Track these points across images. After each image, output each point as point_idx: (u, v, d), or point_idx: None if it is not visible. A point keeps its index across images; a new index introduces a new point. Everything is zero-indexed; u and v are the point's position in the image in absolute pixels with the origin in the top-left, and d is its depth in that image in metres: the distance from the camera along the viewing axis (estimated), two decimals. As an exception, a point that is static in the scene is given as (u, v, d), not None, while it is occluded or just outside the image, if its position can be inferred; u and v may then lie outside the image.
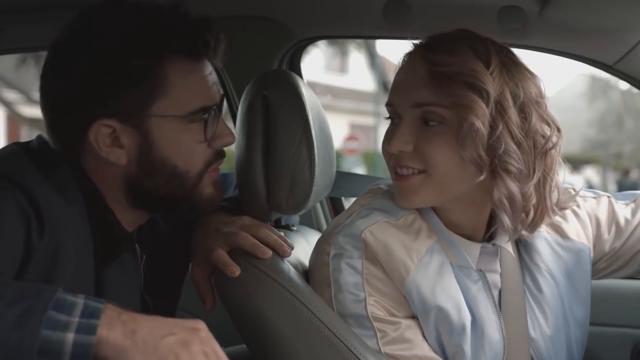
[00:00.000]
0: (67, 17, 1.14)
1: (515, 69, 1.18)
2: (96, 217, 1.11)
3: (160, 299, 1.25)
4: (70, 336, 0.85)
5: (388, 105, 1.23)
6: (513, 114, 1.14)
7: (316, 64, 16.83)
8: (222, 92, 1.20)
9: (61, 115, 1.12)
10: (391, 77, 1.26)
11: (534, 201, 1.20)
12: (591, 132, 21.16)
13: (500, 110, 1.14)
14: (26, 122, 13.34)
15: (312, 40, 1.91)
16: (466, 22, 1.23)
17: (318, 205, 1.97)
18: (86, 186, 1.12)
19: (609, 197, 1.37)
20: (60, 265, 1.02)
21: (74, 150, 1.13)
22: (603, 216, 1.34)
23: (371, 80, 17.26)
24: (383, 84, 15.44)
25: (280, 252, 1.21)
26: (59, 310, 0.87)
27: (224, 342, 1.00)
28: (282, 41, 1.82)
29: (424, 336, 1.19)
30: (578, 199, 1.33)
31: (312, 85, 1.49)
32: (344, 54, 18.28)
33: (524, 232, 1.22)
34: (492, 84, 1.13)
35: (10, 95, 13.48)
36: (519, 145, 1.14)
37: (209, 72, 1.16)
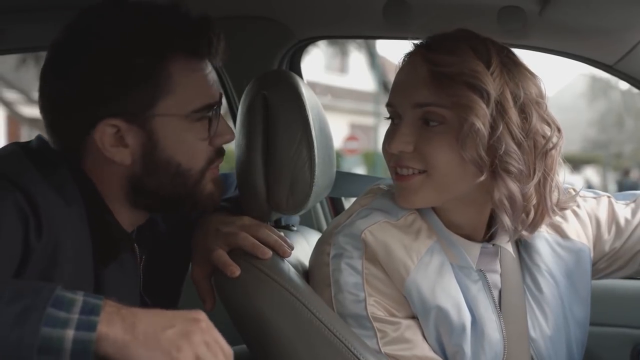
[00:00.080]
0: (67, 17, 1.14)
1: (515, 69, 1.18)
2: (95, 218, 1.11)
3: (160, 300, 1.25)
4: (70, 333, 0.85)
5: (388, 105, 1.23)
6: (513, 114, 1.14)
7: (316, 64, 16.82)
8: (221, 91, 1.20)
9: (63, 115, 1.12)
10: (391, 77, 1.26)
11: (534, 201, 1.20)
12: (591, 132, 21.16)
13: (500, 111, 1.14)
14: (26, 122, 13.34)
15: (312, 40, 1.91)
16: (466, 22, 1.23)
17: (318, 206, 1.97)
18: (85, 186, 1.12)
19: (609, 197, 1.37)
20: (59, 266, 1.02)
21: (75, 151, 1.13)
22: (603, 216, 1.34)
23: (371, 80, 17.26)
24: (383, 84, 15.44)
25: (280, 253, 1.21)
26: (59, 307, 0.87)
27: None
28: (282, 41, 1.82)
29: (424, 336, 1.19)
30: (578, 199, 1.33)
31: (312, 85, 1.49)
32: (344, 54, 18.28)
33: (524, 233, 1.22)
34: (492, 84, 1.13)
35: (10, 95, 13.47)
36: (519, 145, 1.14)
37: (210, 70, 1.17)
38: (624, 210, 1.34)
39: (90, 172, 1.14)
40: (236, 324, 1.18)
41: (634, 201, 1.36)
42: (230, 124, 1.50)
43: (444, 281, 1.19)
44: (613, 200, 1.36)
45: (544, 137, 1.17)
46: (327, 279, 1.19)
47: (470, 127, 1.12)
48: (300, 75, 1.87)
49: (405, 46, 1.23)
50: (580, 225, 1.32)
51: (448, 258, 1.21)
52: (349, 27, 1.84)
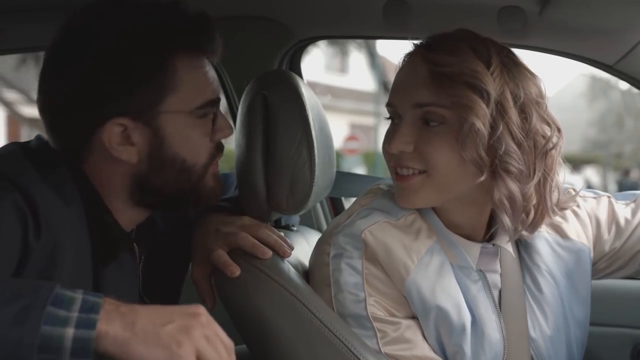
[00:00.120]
0: (68, 17, 1.14)
1: (515, 69, 1.18)
2: (94, 218, 1.11)
3: (159, 300, 1.25)
4: (70, 331, 0.85)
5: (388, 105, 1.23)
6: (513, 115, 1.14)
7: (316, 64, 16.82)
8: (220, 87, 1.22)
9: (66, 116, 1.12)
10: (391, 77, 1.26)
11: (534, 201, 1.20)
12: (591, 132, 21.16)
13: (500, 111, 1.14)
14: (26, 122, 13.34)
15: (312, 40, 1.91)
16: (466, 22, 1.23)
17: (318, 206, 1.97)
18: (84, 186, 1.12)
19: (609, 197, 1.37)
20: (58, 266, 1.02)
21: (76, 151, 1.13)
22: (603, 216, 1.34)
23: (371, 80, 17.27)
24: (383, 84, 15.44)
25: (280, 253, 1.21)
26: (58, 305, 0.86)
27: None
28: (282, 41, 1.82)
29: (424, 336, 1.19)
30: (578, 199, 1.33)
31: (312, 85, 1.49)
32: (344, 54, 18.28)
33: (524, 233, 1.22)
34: (492, 84, 1.13)
35: (10, 95, 13.47)
36: (519, 145, 1.14)
37: (209, 67, 1.18)
38: (624, 210, 1.34)
39: (92, 172, 1.14)
40: (236, 324, 1.18)
41: (634, 201, 1.36)
42: (230, 124, 1.50)
43: (444, 281, 1.19)
44: (613, 200, 1.36)
45: (544, 137, 1.17)
46: (327, 279, 1.19)
47: (470, 127, 1.12)
48: (300, 75, 1.87)
49: (405, 46, 1.23)
50: (580, 225, 1.32)
51: (448, 258, 1.21)
52: (349, 27, 1.84)
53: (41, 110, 1.15)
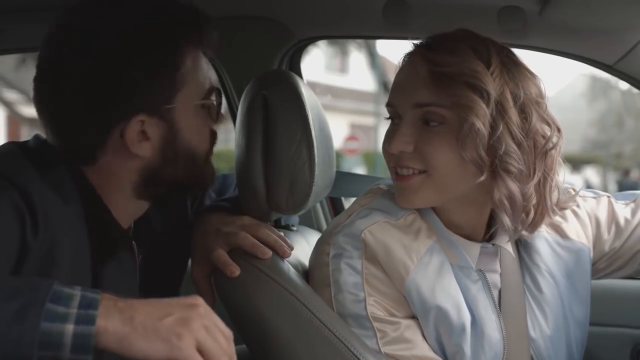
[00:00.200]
0: (68, 15, 1.13)
1: (515, 69, 1.18)
2: (93, 216, 1.11)
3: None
4: (70, 327, 0.86)
5: (388, 105, 1.23)
6: (513, 114, 1.14)
7: (316, 64, 16.83)
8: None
9: (81, 119, 1.10)
10: (391, 77, 1.26)
11: (534, 201, 1.20)
12: (591, 132, 21.17)
13: (500, 111, 1.14)
14: (26, 122, 13.35)
15: (312, 40, 1.91)
16: (466, 22, 1.23)
17: (318, 206, 1.97)
18: (83, 185, 1.12)
19: (608, 197, 1.37)
20: (57, 264, 1.02)
21: (89, 151, 1.12)
22: (603, 216, 1.34)
23: (371, 80, 17.28)
24: (383, 84, 15.45)
25: (280, 253, 1.21)
26: (57, 302, 0.87)
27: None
28: (282, 41, 1.82)
29: (423, 336, 1.19)
30: (578, 199, 1.33)
31: (312, 85, 1.49)
32: (344, 54, 18.30)
33: (524, 232, 1.23)
34: (492, 84, 1.13)
35: (10, 95, 13.48)
36: (519, 145, 1.15)
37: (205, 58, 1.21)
38: (623, 210, 1.34)
39: (100, 170, 1.13)
40: (236, 323, 1.18)
41: (634, 201, 1.36)
42: (230, 124, 1.51)
43: (444, 281, 1.19)
44: (613, 200, 1.36)
45: (543, 137, 1.17)
46: (326, 278, 1.19)
47: (470, 127, 1.12)
48: (300, 75, 1.87)
49: (405, 46, 1.23)
50: (580, 225, 1.32)
51: (448, 258, 1.21)
52: (349, 27, 1.84)
53: (49, 116, 1.13)
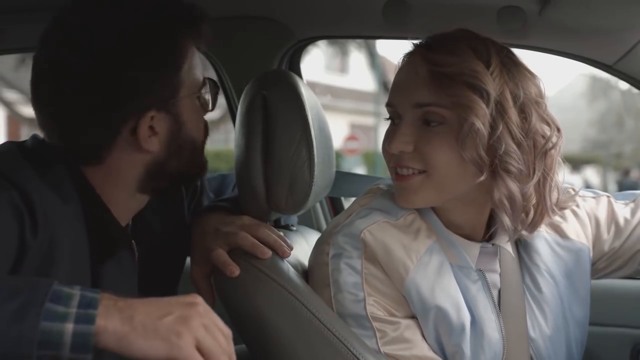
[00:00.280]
0: (68, 13, 1.13)
1: (515, 69, 1.18)
2: (92, 216, 1.11)
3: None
4: (69, 327, 0.86)
5: (388, 105, 1.23)
6: (513, 114, 1.14)
7: (316, 64, 16.83)
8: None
9: (89, 120, 1.10)
10: (391, 77, 1.26)
11: (533, 201, 1.20)
12: (591, 132, 21.17)
13: (500, 111, 1.14)
14: (26, 122, 13.33)
15: (312, 40, 1.91)
16: (466, 22, 1.23)
17: (318, 205, 1.97)
18: (83, 184, 1.12)
19: (608, 197, 1.37)
20: (55, 263, 1.03)
21: (95, 150, 1.12)
22: (602, 216, 1.34)
23: (371, 80, 17.27)
24: (383, 84, 15.45)
25: (280, 252, 1.21)
26: (56, 302, 0.87)
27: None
28: (282, 41, 1.82)
29: (423, 336, 1.19)
30: (577, 198, 1.33)
31: (312, 85, 1.49)
32: (344, 54, 18.29)
33: (523, 232, 1.23)
34: (492, 84, 1.13)
35: (10, 95, 13.47)
36: (519, 145, 1.15)
37: None
38: (623, 210, 1.34)
39: (102, 168, 1.13)
40: (235, 323, 1.18)
41: (634, 201, 1.36)
42: (230, 124, 1.51)
43: (444, 281, 1.19)
44: (612, 200, 1.36)
45: (543, 136, 1.17)
46: (326, 278, 1.19)
47: (470, 127, 1.12)
48: (300, 75, 1.87)
49: (405, 46, 1.23)
50: (580, 225, 1.32)
51: (447, 258, 1.21)
52: (349, 27, 1.84)
53: (49, 116, 1.13)
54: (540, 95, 1.20)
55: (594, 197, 1.37)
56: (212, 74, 1.83)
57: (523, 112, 1.16)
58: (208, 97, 1.22)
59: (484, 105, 1.12)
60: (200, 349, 0.91)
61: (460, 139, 1.13)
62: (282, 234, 1.25)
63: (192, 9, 1.16)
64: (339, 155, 13.09)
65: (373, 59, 16.27)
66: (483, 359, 1.20)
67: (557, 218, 1.29)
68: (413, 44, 1.23)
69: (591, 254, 1.32)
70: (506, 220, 1.17)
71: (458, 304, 1.18)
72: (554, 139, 1.18)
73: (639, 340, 1.80)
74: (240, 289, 1.17)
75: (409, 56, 1.22)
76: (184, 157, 1.18)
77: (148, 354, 0.89)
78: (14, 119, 14.28)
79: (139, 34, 1.10)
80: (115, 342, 0.88)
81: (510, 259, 1.27)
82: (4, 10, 1.66)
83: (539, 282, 1.27)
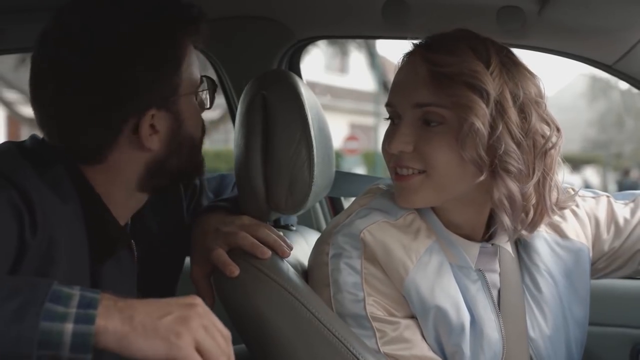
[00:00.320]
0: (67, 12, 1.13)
1: (515, 69, 1.18)
2: (91, 215, 1.11)
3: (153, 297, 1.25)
4: (69, 327, 0.86)
5: (388, 105, 1.23)
6: (513, 114, 1.14)
7: (316, 64, 16.83)
8: None
9: (90, 120, 1.10)
10: (391, 77, 1.26)
11: (533, 201, 1.20)
12: (591, 132, 21.17)
13: (500, 111, 1.14)
14: (26, 122, 13.33)
15: (311, 40, 1.91)
16: (466, 22, 1.23)
17: (317, 205, 1.97)
18: (82, 184, 1.12)
19: (608, 197, 1.37)
20: (55, 263, 1.03)
21: (96, 150, 1.12)
22: (602, 216, 1.34)
23: (371, 80, 17.26)
24: (383, 84, 15.44)
25: (280, 252, 1.21)
26: (56, 302, 0.87)
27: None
28: (282, 41, 1.82)
29: (423, 336, 1.19)
30: (577, 198, 1.33)
31: (312, 85, 1.49)
32: (344, 54, 18.28)
33: (523, 232, 1.23)
34: (492, 84, 1.14)
35: (10, 95, 13.47)
36: (518, 145, 1.15)
37: None
38: (623, 210, 1.34)
39: (102, 167, 1.13)
40: (235, 323, 1.18)
41: (633, 201, 1.36)
42: (230, 124, 1.51)
43: (443, 281, 1.19)
44: (612, 199, 1.36)
45: (543, 136, 1.17)
46: (326, 278, 1.19)
47: (470, 127, 1.12)
48: (300, 75, 1.87)
49: (405, 46, 1.23)
50: (580, 225, 1.32)
51: (447, 258, 1.21)
52: (349, 27, 1.84)
53: (49, 116, 1.13)
54: (540, 95, 1.20)
55: (593, 197, 1.37)
56: (212, 74, 1.83)
57: (523, 112, 1.16)
58: (205, 95, 1.23)
59: (483, 105, 1.12)
60: (199, 350, 0.91)
61: (460, 139, 1.13)
62: (281, 234, 1.25)
63: (190, 8, 1.16)
64: (338, 155, 13.08)
65: (373, 59, 16.26)
66: (483, 359, 1.20)
67: (556, 218, 1.29)
68: (413, 44, 1.23)
69: (591, 254, 1.32)
70: (506, 220, 1.17)
71: (458, 304, 1.18)
72: (553, 139, 1.18)
73: (638, 340, 1.80)
74: (240, 289, 1.17)
75: (409, 56, 1.22)
76: (183, 154, 1.18)
77: (147, 354, 0.89)
78: (14, 119, 14.29)
79: (139, 33, 1.10)
80: (115, 342, 0.88)
81: (509, 259, 1.27)
82: (4, 10, 1.66)
83: (539, 282, 1.27)
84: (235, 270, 1.17)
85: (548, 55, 1.68)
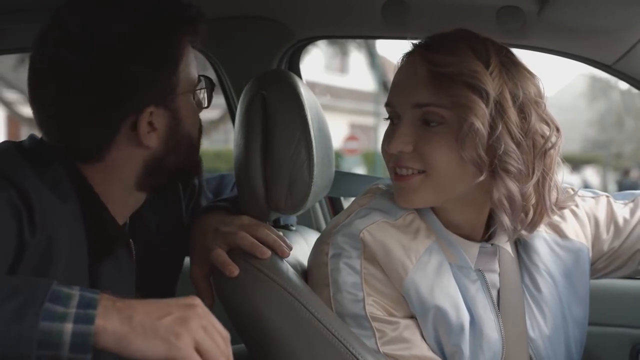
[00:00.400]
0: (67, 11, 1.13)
1: (514, 69, 1.18)
2: (90, 215, 1.11)
3: (153, 297, 1.25)
4: (69, 326, 0.86)
5: (387, 105, 1.23)
6: (512, 114, 1.14)
7: (316, 64, 16.83)
8: None
9: (89, 119, 1.10)
10: (391, 77, 1.26)
11: (533, 201, 1.20)
12: (591, 132, 21.17)
13: (499, 111, 1.14)
14: (26, 122, 13.33)
15: (311, 40, 1.91)
16: (465, 22, 1.23)
17: (317, 205, 1.97)
18: (81, 183, 1.12)
19: (607, 197, 1.37)
20: (53, 262, 1.03)
21: (96, 149, 1.13)
22: (602, 216, 1.34)
23: (371, 80, 17.26)
24: (383, 84, 15.44)
25: (279, 252, 1.21)
26: (56, 302, 0.87)
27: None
28: (282, 41, 1.82)
29: (422, 336, 1.19)
30: (577, 198, 1.33)
31: (312, 85, 1.49)
32: (344, 54, 18.28)
33: (523, 232, 1.23)
34: (491, 84, 1.14)
35: (10, 95, 13.47)
36: (518, 145, 1.15)
37: None
38: (622, 210, 1.34)
39: (101, 166, 1.13)
40: (235, 323, 1.18)
41: (633, 201, 1.36)
42: (230, 124, 1.51)
43: (443, 281, 1.19)
44: (612, 199, 1.36)
45: (542, 136, 1.17)
46: (325, 278, 1.19)
47: (469, 127, 1.12)
48: (300, 75, 1.87)
49: (405, 46, 1.23)
50: (579, 225, 1.32)
51: (447, 258, 1.21)
52: (348, 27, 1.84)
53: (48, 116, 1.13)
54: (540, 95, 1.20)
55: (593, 197, 1.37)
56: (212, 74, 1.83)
57: (522, 112, 1.16)
58: (203, 94, 1.23)
59: (483, 105, 1.12)
60: (198, 350, 0.91)
61: (459, 139, 1.13)
62: (281, 233, 1.25)
63: (189, 8, 1.16)
64: (338, 155, 13.08)
65: (373, 59, 16.26)
66: (482, 359, 1.20)
67: (556, 218, 1.29)
68: (412, 44, 1.23)
69: (590, 254, 1.32)
70: (505, 220, 1.17)
71: (457, 304, 1.18)
72: (553, 139, 1.18)
73: (638, 340, 1.80)
74: (240, 289, 1.17)
75: (408, 56, 1.22)
76: (181, 152, 1.18)
77: (147, 354, 0.89)
78: (14, 119, 14.29)
79: (139, 33, 1.10)
80: (115, 342, 0.88)
81: (509, 259, 1.27)
82: (4, 10, 1.66)
83: (538, 282, 1.27)
84: (234, 270, 1.17)
85: (548, 55, 1.68)
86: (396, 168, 1.20)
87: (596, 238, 1.33)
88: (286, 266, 1.21)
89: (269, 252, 1.19)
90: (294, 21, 1.79)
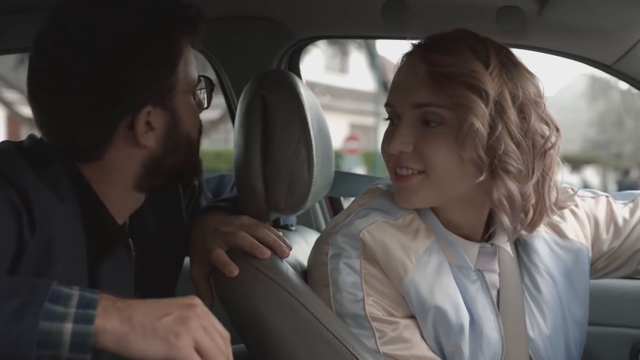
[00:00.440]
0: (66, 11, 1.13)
1: (514, 69, 1.18)
2: (89, 214, 1.11)
3: (153, 297, 1.25)
4: (68, 326, 0.86)
5: (387, 105, 1.23)
6: (512, 114, 1.14)
7: (316, 64, 16.83)
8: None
9: (87, 118, 1.11)
10: (391, 77, 1.26)
11: (533, 201, 1.20)
12: (591, 132, 21.16)
13: (499, 111, 1.14)
14: (26, 122, 13.33)
15: (311, 40, 1.91)
16: (465, 22, 1.23)
17: (317, 205, 1.97)
18: (80, 183, 1.12)
19: (607, 197, 1.37)
20: (53, 262, 1.03)
21: (93, 148, 1.13)
22: (601, 216, 1.34)
23: (371, 80, 17.26)
24: (383, 84, 15.44)
25: (279, 252, 1.21)
26: (55, 302, 0.87)
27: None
28: (281, 41, 1.82)
29: (422, 336, 1.19)
30: (576, 198, 1.33)
31: (312, 85, 1.49)
32: (344, 54, 18.28)
33: (523, 232, 1.23)
34: (491, 84, 1.14)
35: (10, 95, 13.47)
36: (518, 145, 1.15)
37: None
38: (622, 210, 1.35)
39: (100, 166, 1.13)
40: (235, 323, 1.18)
41: (633, 201, 1.36)
42: (230, 124, 1.51)
43: (442, 281, 1.19)
44: (611, 200, 1.36)
45: (542, 136, 1.17)
46: (325, 278, 1.19)
47: (469, 127, 1.12)
48: (299, 75, 1.87)
49: (404, 46, 1.23)
50: (579, 225, 1.32)
51: (446, 258, 1.21)
52: (348, 27, 1.84)
53: (47, 115, 1.13)
54: (539, 95, 1.20)
55: (592, 197, 1.37)
56: (212, 74, 1.83)
57: (522, 112, 1.16)
58: (203, 95, 1.23)
59: (483, 106, 1.12)
60: (198, 350, 0.91)
61: (459, 139, 1.13)
62: (281, 234, 1.25)
63: (189, 8, 1.16)
64: (338, 155, 13.08)
65: (373, 59, 16.26)
66: (482, 359, 1.20)
67: (556, 218, 1.30)
68: (412, 44, 1.23)
69: (590, 254, 1.32)
70: (505, 220, 1.17)
71: (457, 304, 1.18)
72: (553, 139, 1.18)
73: (638, 340, 1.80)
74: (239, 289, 1.17)
75: (408, 56, 1.22)
76: (181, 153, 1.18)
77: (147, 354, 0.89)
78: (14, 119, 14.28)
79: (139, 33, 1.10)
80: (114, 342, 0.88)
81: (509, 259, 1.27)
82: (4, 10, 1.66)
83: (538, 282, 1.27)
84: (234, 270, 1.17)
85: (548, 55, 1.68)
86: (396, 168, 1.20)
87: (596, 238, 1.33)
88: (286, 266, 1.21)
89: (268, 252, 1.19)
90: (293, 21, 1.79)
